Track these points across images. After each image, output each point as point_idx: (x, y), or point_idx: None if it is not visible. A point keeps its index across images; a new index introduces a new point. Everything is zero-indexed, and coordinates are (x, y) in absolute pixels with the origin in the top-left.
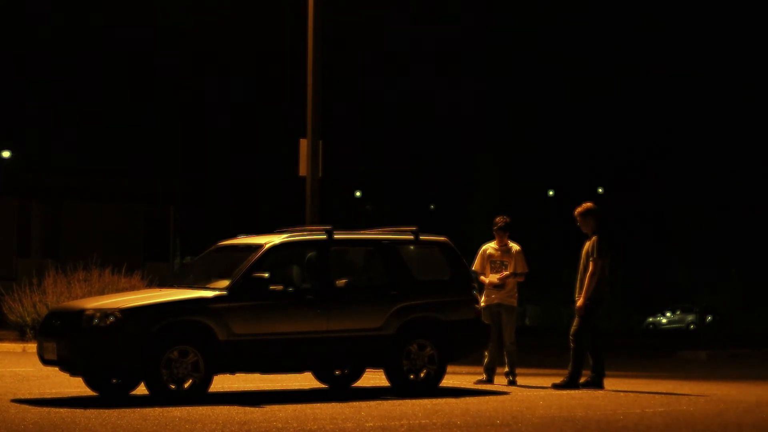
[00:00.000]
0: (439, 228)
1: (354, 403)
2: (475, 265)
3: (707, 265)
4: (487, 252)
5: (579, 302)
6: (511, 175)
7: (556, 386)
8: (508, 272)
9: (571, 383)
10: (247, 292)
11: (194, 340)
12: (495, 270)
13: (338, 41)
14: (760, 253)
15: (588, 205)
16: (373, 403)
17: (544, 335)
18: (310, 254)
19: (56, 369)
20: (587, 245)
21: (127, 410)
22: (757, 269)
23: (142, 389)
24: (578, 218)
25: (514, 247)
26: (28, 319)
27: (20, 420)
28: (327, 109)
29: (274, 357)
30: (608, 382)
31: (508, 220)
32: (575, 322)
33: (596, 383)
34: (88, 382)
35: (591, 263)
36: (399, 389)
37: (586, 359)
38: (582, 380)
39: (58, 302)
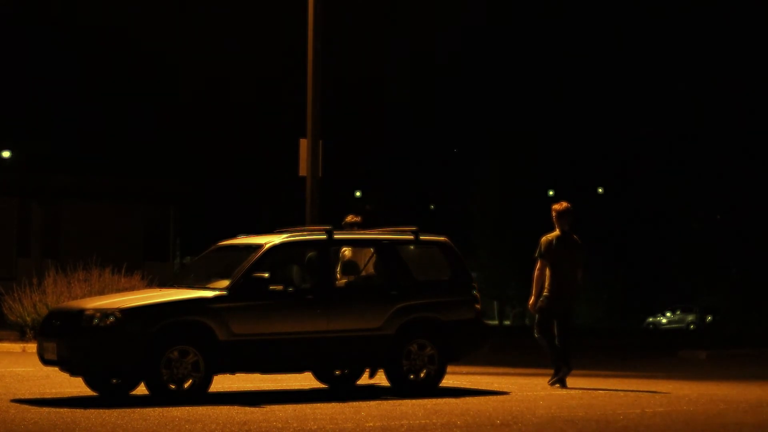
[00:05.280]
0: (439, 228)
1: (354, 403)
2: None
3: (707, 265)
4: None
5: (530, 301)
6: (511, 175)
7: (551, 384)
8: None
9: (560, 376)
10: (247, 292)
11: (194, 340)
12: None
13: (338, 41)
14: (759, 253)
15: (557, 207)
16: (373, 403)
17: None
18: (310, 254)
19: (56, 369)
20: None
21: (127, 410)
22: (757, 269)
23: (142, 389)
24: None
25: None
26: (28, 319)
27: (20, 420)
28: (327, 109)
29: (274, 357)
30: (609, 382)
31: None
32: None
33: (560, 381)
34: (88, 382)
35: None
36: (399, 389)
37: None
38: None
39: (58, 302)
